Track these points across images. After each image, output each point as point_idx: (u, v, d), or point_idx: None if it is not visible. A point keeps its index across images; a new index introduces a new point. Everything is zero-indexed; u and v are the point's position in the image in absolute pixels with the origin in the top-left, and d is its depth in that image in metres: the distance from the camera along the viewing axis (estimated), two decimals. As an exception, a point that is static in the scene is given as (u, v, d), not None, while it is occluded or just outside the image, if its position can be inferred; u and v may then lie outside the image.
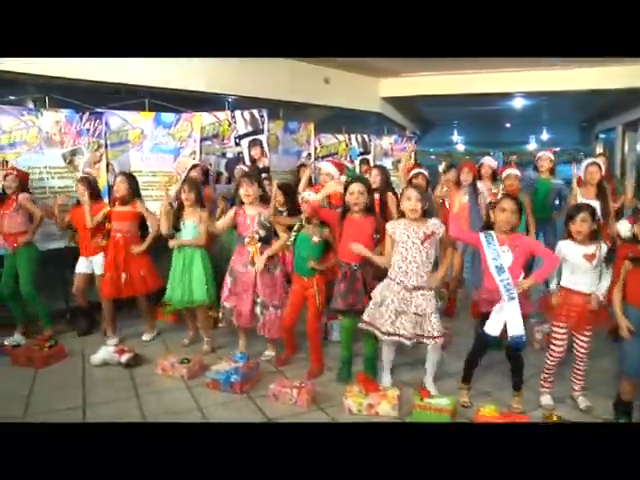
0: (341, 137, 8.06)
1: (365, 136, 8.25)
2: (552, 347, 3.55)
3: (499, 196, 3.82)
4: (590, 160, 5.02)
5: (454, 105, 11.14)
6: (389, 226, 3.60)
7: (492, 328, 3.34)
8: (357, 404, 3.42)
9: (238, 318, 4.23)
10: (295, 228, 4.10)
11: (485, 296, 3.45)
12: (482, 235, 3.43)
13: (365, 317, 3.62)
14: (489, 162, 5.48)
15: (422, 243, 3.47)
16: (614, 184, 6.08)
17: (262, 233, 4.18)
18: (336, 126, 8.24)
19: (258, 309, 4.21)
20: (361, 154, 8.08)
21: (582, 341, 3.49)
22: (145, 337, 4.99)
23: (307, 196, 4.05)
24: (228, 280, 4.28)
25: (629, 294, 3.17)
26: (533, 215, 5.02)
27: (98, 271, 4.98)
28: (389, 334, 3.53)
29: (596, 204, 4.66)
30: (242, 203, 4.26)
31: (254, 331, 4.36)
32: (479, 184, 5.05)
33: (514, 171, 5.14)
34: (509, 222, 3.36)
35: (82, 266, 5.04)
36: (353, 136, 8.14)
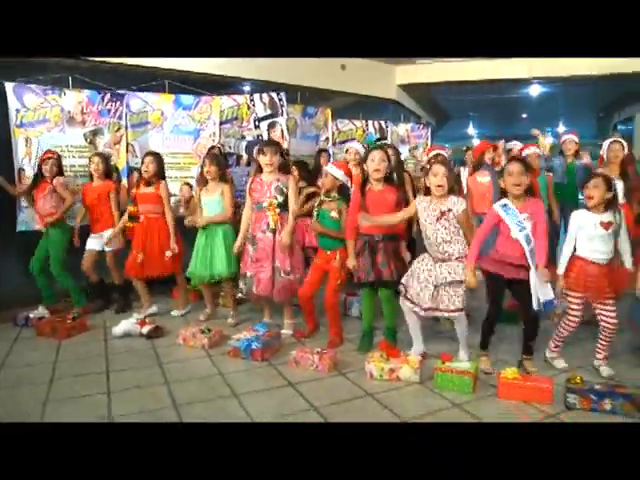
0: (358, 123, 8.10)
1: (382, 122, 8.28)
2: (569, 317, 3.56)
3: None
4: (613, 138, 5.00)
5: (469, 94, 11.08)
6: (418, 198, 3.65)
7: (535, 302, 3.34)
8: (379, 369, 3.46)
9: (258, 286, 4.24)
10: (317, 204, 4.15)
11: (496, 257, 3.45)
12: (498, 207, 3.43)
13: (401, 286, 3.66)
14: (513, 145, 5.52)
15: (437, 220, 3.49)
16: (635, 167, 6.05)
17: (280, 199, 4.20)
18: (354, 113, 8.28)
19: (277, 276, 4.23)
20: (378, 140, 8.09)
21: (606, 310, 3.46)
22: (174, 313, 5.04)
23: (329, 169, 4.10)
24: (250, 249, 4.30)
25: None
26: (559, 199, 5.04)
27: (107, 247, 5.06)
28: (411, 301, 3.58)
29: (620, 183, 4.66)
30: (260, 171, 4.30)
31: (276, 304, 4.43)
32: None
33: (535, 149, 5.18)
34: (519, 184, 3.36)
35: (92, 243, 5.12)
36: (370, 122, 8.17)
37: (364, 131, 8.09)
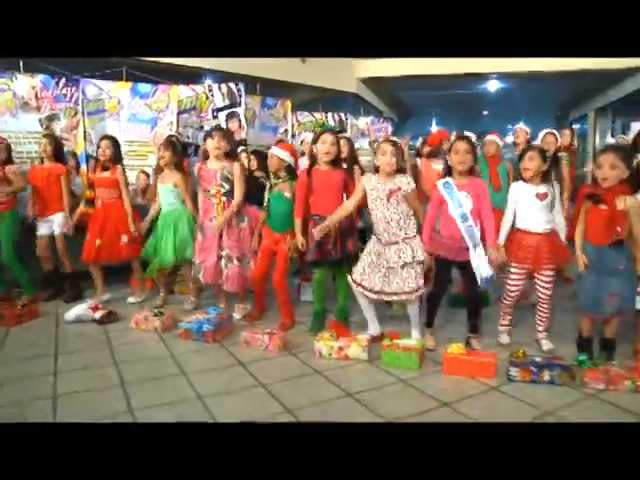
0: (318, 115, 8.14)
1: (342, 115, 8.35)
2: (507, 287, 3.70)
3: None
4: (547, 130, 5.17)
5: (430, 89, 11.26)
6: (364, 178, 3.69)
7: (477, 280, 3.46)
8: (327, 347, 3.50)
9: (205, 274, 4.26)
10: (267, 187, 4.19)
11: (439, 239, 3.55)
12: (440, 184, 3.53)
13: (353, 271, 3.70)
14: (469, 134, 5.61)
15: (388, 199, 3.54)
16: (575, 157, 6.24)
17: (226, 187, 4.21)
18: (316, 106, 8.33)
19: (223, 262, 4.25)
20: (339, 132, 8.14)
21: (543, 281, 3.60)
22: (131, 299, 4.98)
23: (274, 151, 4.17)
24: (199, 237, 4.32)
25: (587, 231, 3.32)
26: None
27: (57, 231, 4.98)
28: (359, 285, 3.63)
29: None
30: (207, 159, 4.32)
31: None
32: None
33: (494, 137, 5.31)
34: (464, 162, 3.46)
35: (43, 227, 5.02)
36: (330, 115, 8.23)
37: (324, 123, 8.13)
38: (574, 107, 13.95)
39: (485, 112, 15.46)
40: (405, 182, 3.56)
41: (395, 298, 3.63)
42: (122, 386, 3.12)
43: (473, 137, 5.64)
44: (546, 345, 3.64)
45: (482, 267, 3.41)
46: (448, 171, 3.60)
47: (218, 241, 4.23)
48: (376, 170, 3.64)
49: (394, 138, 4.97)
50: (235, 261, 4.26)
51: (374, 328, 3.82)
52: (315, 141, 3.87)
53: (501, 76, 9.93)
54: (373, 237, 3.69)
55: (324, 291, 4.07)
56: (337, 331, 3.60)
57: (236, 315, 4.43)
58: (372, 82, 9.65)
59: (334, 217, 3.68)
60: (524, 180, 3.59)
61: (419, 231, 3.62)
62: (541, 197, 3.52)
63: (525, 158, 3.56)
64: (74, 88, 5.71)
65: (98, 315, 4.33)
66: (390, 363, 3.36)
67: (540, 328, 3.72)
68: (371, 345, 3.54)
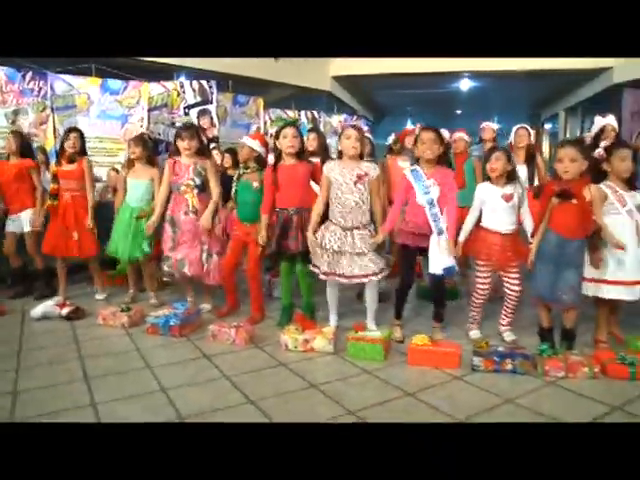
0: (291, 113, 8.17)
1: (315, 112, 8.37)
2: (477, 285, 3.74)
3: None
4: (519, 125, 5.24)
5: (404, 88, 11.34)
6: (325, 167, 3.71)
7: (436, 267, 3.49)
8: (293, 340, 3.51)
9: (190, 267, 4.23)
10: (235, 177, 4.18)
11: (407, 228, 3.59)
12: (408, 171, 3.57)
13: (312, 258, 3.72)
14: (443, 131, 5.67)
15: (355, 184, 3.58)
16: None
17: (197, 181, 4.22)
18: (289, 104, 8.35)
19: (205, 257, 4.25)
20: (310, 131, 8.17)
21: (510, 279, 3.66)
22: (99, 296, 4.93)
23: (245, 140, 4.17)
24: (170, 231, 4.27)
25: (555, 224, 3.36)
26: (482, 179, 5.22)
27: (27, 228, 4.91)
28: (327, 274, 3.65)
29: (524, 168, 4.90)
30: (178, 154, 4.30)
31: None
32: None
33: (462, 134, 5.38)
34: (430, 151, 3.50)
35: (10, 225, 4.95)
36: (303, 112, 8.25)
37: (297, 121, 8.15)
38: (546, 106, 14.15)
39: (459, 111, 15.60)
40: (372, 167, 3.63)
41: (356, 281, 3.67)
42: (85, 380, 3.09)
43: (447, 134, 5.72)
44: (508, 336, 3.70)
45: (444, 257, 3.44)
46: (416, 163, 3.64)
47: (199, 235, 4.23)
48: (339, 157, 3.67)
49: (357, 123, 5.06)
50: (215, 255, 4.28)
51: (334, 320, 3.89)
52: (277, 137, 3.89)
53: (473, 75, 10.04)
54: (330, 225, 3.68)
55: (291, 285, 4.08)
56: (303, 324, 3.62)
57: (205, 305, 4.46)
58: (346, 80, 9.68)
59: (314, 216, 3.71)
60: (490, 181, 3.64)
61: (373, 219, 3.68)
62: (507, 198, 3.57)
63: (492, 159, 3.60)
64: (42, 82, 5.65)
65: (65, 312, 4.28)
66: (356, 355, 3.38)
67: (504, 322, 3.77)
68: (337, 337, 3.56)
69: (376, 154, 5.66)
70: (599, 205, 3.33)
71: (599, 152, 3.65)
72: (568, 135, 12.21)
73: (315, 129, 5.81)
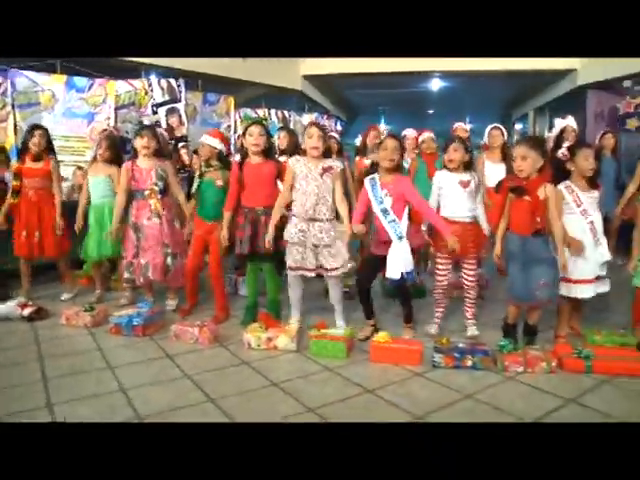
0: (261, 112, 8.16)
1: (285, 112, 8.38)
2: (436, 277, 3.79)
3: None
4: (493, 125, 5.31)
5: (376, 87, 11.39)
6: (290, 161, 3.71)
7: (393, 272, 3.50)
8: (256, 338, 3.51)
9: (154, 272, 4.21)
10: (197, 174, 4.18)
11: (378, 238, 3.60)
12: (367, 180, 3.61)
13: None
14: (409, 133, 5.72)
15: (321, 176, 3.60)
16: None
17: (160, 185, 4.21)
18: (259, 103, 8.34)
19: (169, 260, 4.24)
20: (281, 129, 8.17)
21: (467, 269, 3.74)
22: (64, 296, 4.84)
23: (204, 139, 4.17)
24: (133, 236, 4.24)
25: (511, 223, 3.43)
26: None
27: None
28: (293, 268, 3.66)
29: (502, 167, 4.95)
30: (136, 157, 4.28)
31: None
32: None
33: (430, 134, 5.42)
34: (390, 159, 3.52)
35: None
36: (273, 111, 8.24)
37: (267, 120, 8.15)
38: (516, 107, 14.35)
39: (431, 111, 15.72)
40: (337, 162, 3.68)
41: (312, 275, 3.71)
42: (43, 381, 3.05)
43: (414, 134, 5.76)
44: (470, 331, 3.75)
45: (404, 262, 3.47)
46: (374, 167, 3.68)
47: (162, 239, 4.21)
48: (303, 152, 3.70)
49: (319, 122, 5.07)
50: (179, 257, 4.28)
51: (296, 315, 3.88)
52: (244, 134, 3.88)
53: (444, 75, 10.13)
54: (293, 219, 3.69)
55: (256, 284, 4.08)
56: (266, 322, 3.61)
57: (170, 302, 4.46)
58: (317, 80, 9.69)
59: (276, 210, 3.72)
60: (449, 170, 3.70)
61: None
62: (464, 184, 3.65)
63: (449, 150, 3.69)
64: (1, 78, 5.54)
65: (26, 312, 4.21)
66: (318, 353, 3.39)
67: (468, 314, 3.82)
68: (301, 335, 3.57)
69: (348, 154, 5.70)
70: (555, 205, 3.37)
71: (562, 152, 3.73)
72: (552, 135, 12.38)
73: (286, 127, 5.83)
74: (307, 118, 8.83)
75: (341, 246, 3.64)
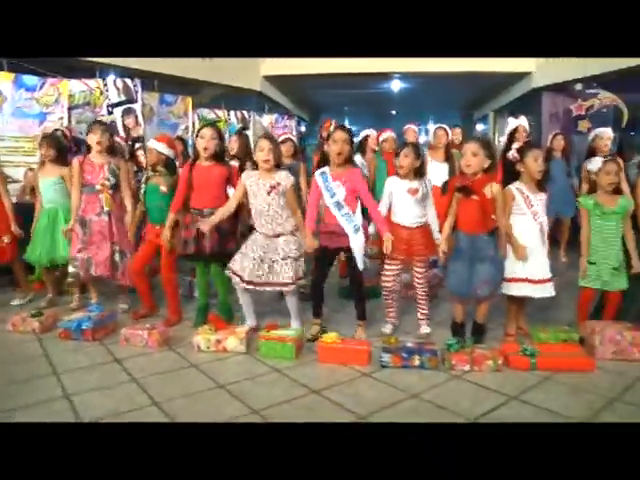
0: (220, 113, 8.11)
1: (245, 112, 8.34)
2: (383, 279, 3.82)
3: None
4: (437, 125, 5.40)
5: (339, 88, 11.42)
6: (243, 175, 3.72)
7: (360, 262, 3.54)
8: (205, 341, 3.49)
9: (97, 268, 4.17)
10: (143, 180, 4.16)
11: (325, 229, 3.63)
12: (317, 174, 3.61)
13: (230, 264, 3.69)
14: (371, 132, 5.76)
15: (268, 194, 3.58)
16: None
17: (112, 180, 4.18)
18: (219, 103, 8.28)
19: (117, 257, 4.21)
20: (239, 130, 8.14)
21: (417, 270, 3.79)
22: (15, 302, 4.72)
23: (150, 144, 4.14)
24: (80, 231, 4.20)
25: (459, 222, 3.48)
26: None
27: None
28: (248, 282, 3.63)
29: (445, 166, 5.04)
30: (89, 152, 4.25)
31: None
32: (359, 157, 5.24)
33: (391, 134, 5.49)
34: (341, 153, 3.54)
35: None
36: (232, 112, 8.20)
37: (226, 121, 8.11)
38: (477, 108, 14.56)
39: (394, 111, 15.84)
40: (284, 177, 3.62)
41: (278, 289, 3.68)
42: (-18, 389, 2.98)
43: (374, 133, 5.81)
44: (423, 330, 3.80)
45: (359, 255, 3.51)
46: (325, 159, 3.68)
47: (110, 235, 4.18)
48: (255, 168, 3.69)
49: (271, 134, 5.06)
50: (128, 255, 4.25)
51: (251, 321, 3.87)
52: (197, 136, 3.87)
53: (403, 76, 10.22)
54: (255, 232, 3.72)
55: (206, 285, 4.07)
56: (216, 324, 3.60)
57: (122, 305, 4.41)
58: (278, 80, 9.67)
59: (217, 215, 3.68)
60: (399, 175, 3.72)
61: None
62: (412, 192, 3.67)
63: (400, 155, 3.70)
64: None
65: (-29, 319, 4.11)
66: (267, 354, 3.39)
67: (420, 315, 3.87)
68: (250, 337, 3.56)
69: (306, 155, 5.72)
70: (502, 204, 3.44)
71: (512, 154, 3.80)
72: (497, 136, 12.58)
73: (238, 131, 5.81)
74: (267, 119, 8.82)
75: (298, 258, 3.65)
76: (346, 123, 18.55)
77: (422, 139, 5.43)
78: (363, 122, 18.46)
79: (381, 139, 5.59)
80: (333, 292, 4.64)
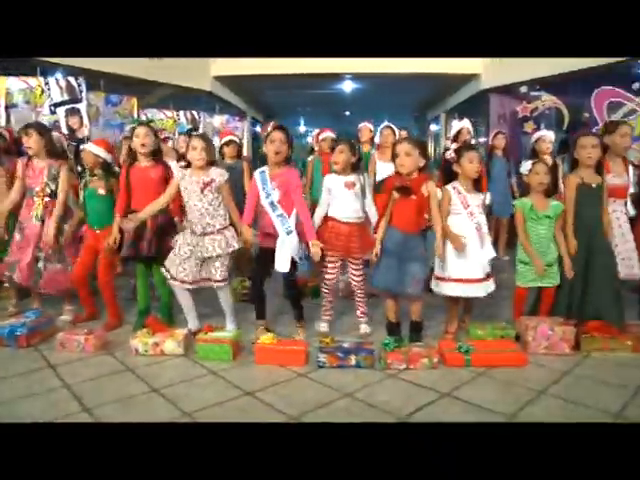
0: (169, 113, 8.03)
1: (194, 113, 8.28)
2: (324, 276, 3.86)
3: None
4: (385, 124, 5.45)
5: (291, 88, 11.42)
6: (178, 174, 3.67)
7: (281, 265, 3.54)
8: (143, 344, 3.46)
9: (19, 274, 4.07)
10: (82, 184, 4.10)
11: (263, 230, 3.64)
12: (257, 173, 3.63)
13: (165, 263, 3.67)
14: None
15: (202, 191, 3.57)
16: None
17: (52, 186, 4.09)
18: (166, 103, 8.19)
19: (41, 264, 4.10)
20: (189, 131, 8.08)
21: (354, 269, 3.84)
22: None
23: (87, 147, 4.10)
24: (17, 236, 4.12)
25: (395, 220, 3.52)
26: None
27: None
28: (174, 278, 3.63)
29: (391, 165, 5.07)
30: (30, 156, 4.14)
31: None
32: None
33: (330, 133, 5.53)
34: (278, 152, 3.56)
35: None
36: (182, 112, 8.13)
37: (175, 121, 8.04)
38: (430, 108, 14.77)
39: (347, 112, 15.93)
40: (218, 173, 3.62)
41: (212, 284, 3.69)
42: None
43: (332, 135, 5.83)
44: (363, 329, 3.84)
45: (292, 253, 3.53)
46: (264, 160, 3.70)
47: (35, 241, 4.07)
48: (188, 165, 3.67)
49: (205, 134, 5.04)
50: (56, 263, 4.12)
51: (193, 323, 3.84)
52: (131, 137, 3.83)
53: (354, 77, 10.29)
54: (186, 230, 3.69)
55: (146, 288, 4.03)
56: (154, 327, 3.57)
57: (64, 317, 4.26)
58: (229, 80, 9.61)
59: (146, 210, 3.66)
60: (336, 172, 3.76)
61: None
62: (349, 186, 3.72)
63: (336, 152, 3.75)
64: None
65: None
66: (205, 356, 3.37)
67: (358, 312, 3.91)
68: (189, 339, 3.54)
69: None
70: (436, 202, 3.50)
71: (450, 154, 3.87)
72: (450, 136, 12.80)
73: (187, 132, 5.78)
74: (218, 119, 8.78)
75: (226, 256, 3.65)
76: (302, 124, 18.60)
77: (377, 139, 5.44)
78: (319, 123, 18.56)
79: (320, 138, 5.59)
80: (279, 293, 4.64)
